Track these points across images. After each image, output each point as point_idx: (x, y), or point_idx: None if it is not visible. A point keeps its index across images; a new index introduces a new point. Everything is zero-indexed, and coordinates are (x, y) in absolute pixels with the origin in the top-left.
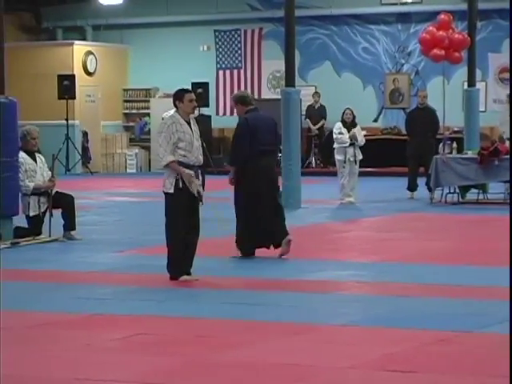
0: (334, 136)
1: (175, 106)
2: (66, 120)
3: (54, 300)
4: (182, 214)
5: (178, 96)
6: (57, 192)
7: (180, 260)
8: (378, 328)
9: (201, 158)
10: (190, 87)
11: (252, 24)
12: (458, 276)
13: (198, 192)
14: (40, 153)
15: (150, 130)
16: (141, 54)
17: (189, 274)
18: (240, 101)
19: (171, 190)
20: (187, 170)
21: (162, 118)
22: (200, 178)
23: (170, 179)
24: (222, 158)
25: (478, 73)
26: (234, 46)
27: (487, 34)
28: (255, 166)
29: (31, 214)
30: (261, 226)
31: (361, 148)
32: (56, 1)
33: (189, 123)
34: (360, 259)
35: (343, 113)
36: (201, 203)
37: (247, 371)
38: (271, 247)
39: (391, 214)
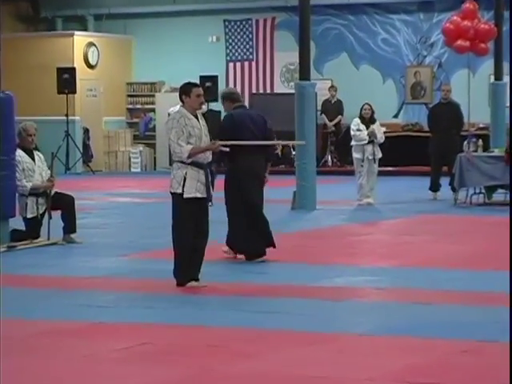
0: (352, 133)
1: (181, 100)
2: (66, 116)
3: (53, 307)
4: (190, 215)
5: (185, 90)
6: (56, 192)
7: (188, 265)
8: (397, 337)
9: (210, 154)
10: (198, 81)
11: (264, 13)
12: (482, 282)
13: (208, 191)
14: (38, 150)
15: (155, 126)
16: (146, 45)
17: (197, 279)
18: (228, 97)
19: (179, 190)
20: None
21: (168, 114)
22: (210, 177)
23: (178, 178)
24: None
25: (506, 65)
26: (244, 36)
27: None
28: (241, 164)
29: (29, 215)
30: (249, 226)
31: (380, 146)
32: None
33: (196, 118)
34: (378, 264)
35: (361, 108)
36: (210, 204)
37: None
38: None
39: (412, 216)
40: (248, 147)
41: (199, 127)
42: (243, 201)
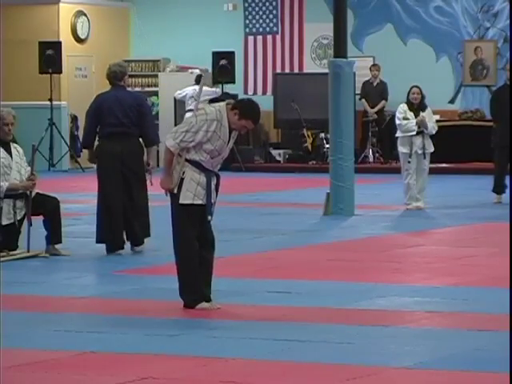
0: (398, 122)
1: (234, 110)
2: (50, 100)
3: (35, 334)
4: (190, 222)
5: (245, 113)
6: (38, 194)
7: (196, 283)
8: (453, 372)
9: (219, 162)
10: (210, 58)
11: None
12: None
13: (208, 199)
14: (16, 143)
15: (158, 112)
16: (147, 15)
17: (208, 300)
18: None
19: (175, 191)
20: None
21: (174, 99)
22: (214, 180)
23: (175, 175)
24: (252, 150)
25: None
26: (267, 4)
27: None
28: (101, 149)
29: (4, 222)
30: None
31: (432, 137)
32: None
33: (230, 133)
34: (430, 282)
35: (409, 92)
36: (209, 218)
37: None
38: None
39: (471, 224)
40: (111, 128)
41: (226, 141)
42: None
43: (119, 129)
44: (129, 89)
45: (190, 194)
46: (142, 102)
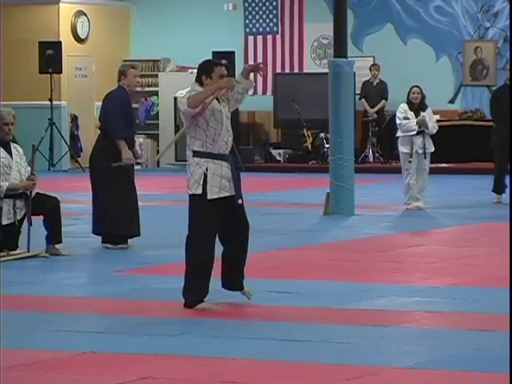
0: (398, 121)
1: (200, 82)
2: (50, 100)
3: (35, 334)
4: (213, 221)
5: (206, 69)
6: (38, 194)
7: (202, 285)
8: (453, 372)
9: (229, 140)
10: (210, 57)
11: None
12: None
13: (236, 187)
14: (16, 143)
15: (158, 113)
16: (147, 15)
17: (241, 288)
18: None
19: (198, 191)
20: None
21: (175, 99)
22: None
23: (196, 176)
24: (252, 150)
25: None
26: (267, 4)
27: None
28: None
29: (4, 222)
30: None
31: (432, 137)
32: None
33: (218, 100)
34: (430, 282)
35: (409, 91)
36: (240, 201)
37: None
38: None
39: (472, 224)
40: None
41: (220, 109)
42: None
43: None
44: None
45: (216, 189)
46: (105, 99)
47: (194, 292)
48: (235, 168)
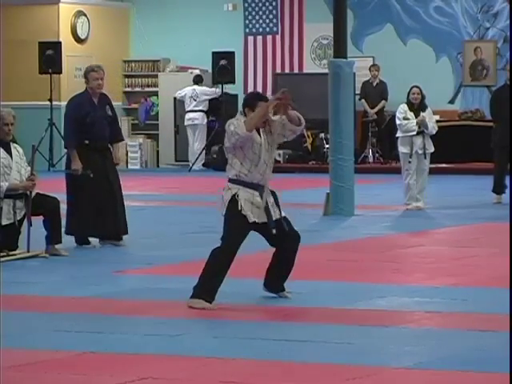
0: (398, 122)
1: (245, 114)
2: (50, 101)
3: (35, 334)
4: (245, 231)
5: (250, 103)
6: (38, 194)
7: (216, 288)
8: (453, 372)
9: (268, 172)
10: (210, 58)
11: None
12: None
13: (268, 215)
14: (16, 143)
15: (158, 113)
16: (147, 15)
17: (282, 290)
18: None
19: (223, 211)
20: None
21: (175, 99)
22: (271, 198)
23: (224, 199)
24: None
25: None
26: (267, 4)
27: None
28: None
29: (4, 222)
30: None
31: (432, 137)
32: None
33: (259, 133)
34: (430, 282)
35: (409, 92)
36: (274, 231)
37: None
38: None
39: (472, 224)
40: None
41: (260, 142)
42: None
43: None
44: (129, 89)
45: (249, 213)
46: (67, 104)
47: (207, 292)
48: (273, 197)
